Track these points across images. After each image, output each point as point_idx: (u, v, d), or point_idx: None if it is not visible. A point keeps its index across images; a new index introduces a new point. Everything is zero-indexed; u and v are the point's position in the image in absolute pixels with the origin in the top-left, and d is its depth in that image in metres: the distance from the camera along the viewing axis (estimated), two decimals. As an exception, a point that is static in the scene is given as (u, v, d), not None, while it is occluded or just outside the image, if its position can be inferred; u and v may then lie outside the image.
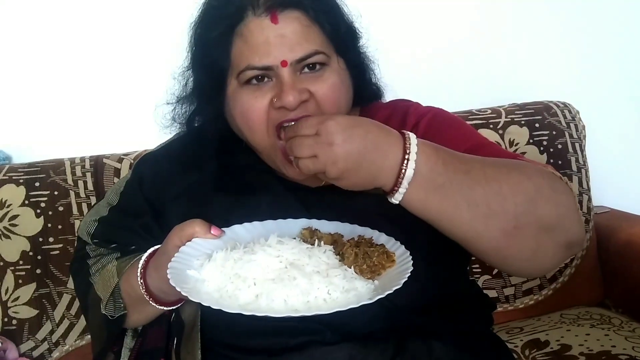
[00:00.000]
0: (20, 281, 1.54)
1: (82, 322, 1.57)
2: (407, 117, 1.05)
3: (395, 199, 0.85)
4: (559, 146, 1.78)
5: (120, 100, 1.82)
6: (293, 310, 0.78)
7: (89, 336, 1.56)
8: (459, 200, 0.84)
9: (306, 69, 0.95)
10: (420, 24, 1.98)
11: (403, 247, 0.90)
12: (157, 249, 1.01)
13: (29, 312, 1.55)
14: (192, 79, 1.07)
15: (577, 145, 1.80)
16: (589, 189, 1.79)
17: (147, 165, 1.16)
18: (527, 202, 0.85)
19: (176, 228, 0.94)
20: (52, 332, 1.56)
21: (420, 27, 1.98)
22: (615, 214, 1.90)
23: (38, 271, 1.55)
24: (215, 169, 1.09)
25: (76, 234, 1.55)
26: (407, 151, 0.83)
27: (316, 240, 0.91)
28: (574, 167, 1.78)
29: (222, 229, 0.95)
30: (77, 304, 1.56)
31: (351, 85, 1.02)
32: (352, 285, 0.83)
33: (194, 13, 1.04)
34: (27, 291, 1.55)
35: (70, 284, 1.55)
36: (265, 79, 0.95)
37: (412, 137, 0.84)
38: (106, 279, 1.09)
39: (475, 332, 1.03)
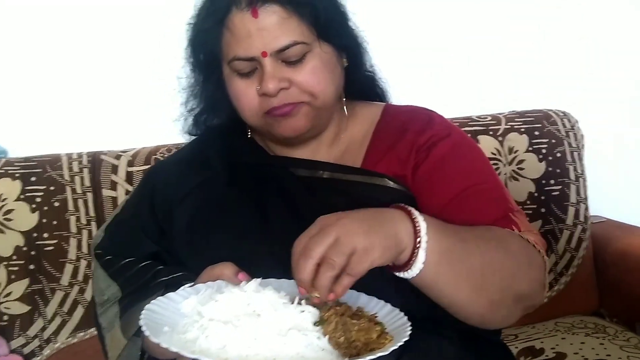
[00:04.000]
0: (12, 276, 1.52)
1: (74, 319, 1.55)
2: (430, 125, 1.08)
3: (419, 260, 0.86)
4: (558, 154, 1.79)
5: (119, 97, 1.80)
6: (224, 358, 0.74)
7: (81, 334, 1.55)
8: (461, 267, 0.90)
9: (287, 58, 1.01)
10: (420, 31, 1.98)
11: (407, 322, 0.82)
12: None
13: (20, 308, 1.52)
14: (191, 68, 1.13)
15: (575, 154, 1.80)
16: (586, 198, 1.79)
17: (158, 172, 1.21)
18: (510, 277, 0.94)
19: (207, 268, 0.94)
20: (43, 329, 1.54)
21: (420, 34, 1.98)
22: (611, 223, 1.90)
23: (31, 267, 1.53)
24: (224, 166, 1.12)
25: (71, 231, 1.56)
26: (413, 215, 0.88)
27: (296, 298, 0.83)
28: (572, 176, 1.79)
29: (256, 279, 0.90)
30: (69, 300, 1.55)
31: (341, 65, 1.08)
32: (313, 354, 0.75)
33: (191, 12, 1.10)
34: (20, 287, 1.52)
35: (64, 281, 1.55)
36: (252, 68, 1.01)
37: (413, 210, 0.88)
38: (116, 339, 1.07)
39: (484, 338, 1.04)
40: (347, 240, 0.80)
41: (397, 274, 0.88)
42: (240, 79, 1.02)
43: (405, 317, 0.83)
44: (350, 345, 0.77)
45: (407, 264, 0.86)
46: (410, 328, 0.80)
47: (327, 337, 0.77)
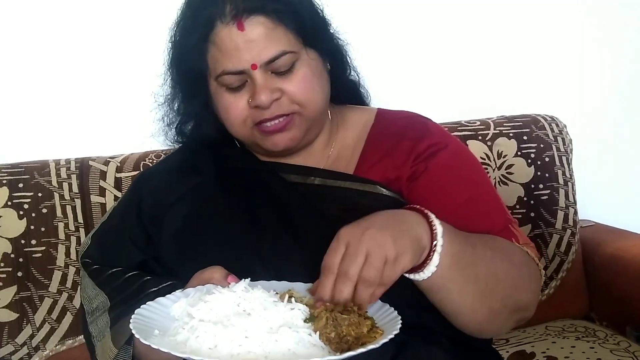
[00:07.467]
0: (0, 284, 1.51)
1: (63, 326, 1.54)
2: (428, 134, 1.08)
3: (433, 263, 0.87)
4: (546, 159, 1.79)
5: (107, 102, 1.80)
6: (216, 357, 0.74)
7: (70, 341, 1.54)
8: (469, 273, 0.91)
9: (277, 69, 1.00)
10: (409, 36, 1.99)
11: (397, 316, 0.83)
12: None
13: (8, 316, 1.51)
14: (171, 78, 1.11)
15: (564, 158, 1.81)
16: (575, 202, 1.80)
17: (146, 180, 1.19)
18: (512, 287, 0.96)
19: (197, 273, 0.94)
20: (32, 336, 1.53)
21: (409, 39, 1.99)
22: (600, 227, 1.91)
23: (19, 274, 1.52)
24: (214, 171, 1.11)
25: (59, 237, 1.55)
26: (430, 218, 0.89)
27: (286, 297, 0.84)
28: (561, 180, 1.79)
29: (245, 279, 0.91)
30: (58, 308, 1.54)
31: (326, 71, 1.07)
32: (304, 351, 0.76)
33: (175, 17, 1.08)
34: (8, 294, 1.51)
35: (52, 288, 1.54)
36: (241, 82, 1.00)
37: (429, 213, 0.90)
38: (106, 348, 1.06)
39: (474, 345, 1.04)
40: (378, 253, 0.81)
41: (407, 275, 0.88)
42: (229, 93, 1.01)
43: (395, 312, 0.84)
44: (342, 340, 0.78)
45: (421, 266, 0.87)
46: (400, 322, 0.81)
47: (317, 333, 0.78)
